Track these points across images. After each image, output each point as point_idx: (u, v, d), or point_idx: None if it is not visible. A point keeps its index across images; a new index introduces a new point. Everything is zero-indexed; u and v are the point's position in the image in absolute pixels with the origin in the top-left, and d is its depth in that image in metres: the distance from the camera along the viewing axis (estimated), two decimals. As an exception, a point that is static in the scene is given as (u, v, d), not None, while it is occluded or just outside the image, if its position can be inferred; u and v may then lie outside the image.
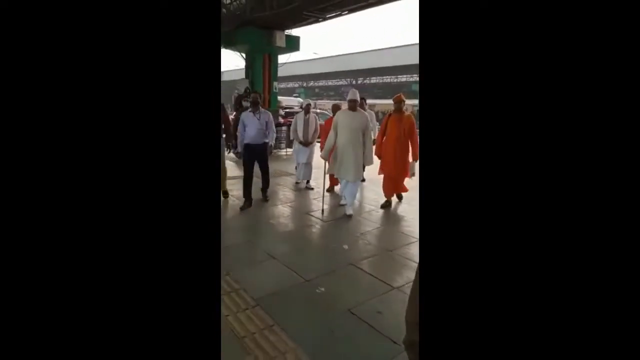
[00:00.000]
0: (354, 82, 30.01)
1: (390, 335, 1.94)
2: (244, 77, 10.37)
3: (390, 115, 4.52)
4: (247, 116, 4.28)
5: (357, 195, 4.52)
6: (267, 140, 4.37)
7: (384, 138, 4.47)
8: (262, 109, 4.36)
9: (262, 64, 9.88)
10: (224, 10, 10.07)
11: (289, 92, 30.21)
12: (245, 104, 6.11)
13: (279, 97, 10.63)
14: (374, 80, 29.23)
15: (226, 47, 10.51)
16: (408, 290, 2.48)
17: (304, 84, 36.04)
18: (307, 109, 5.41)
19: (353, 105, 4.05)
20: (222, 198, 4.63)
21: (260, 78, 9.90)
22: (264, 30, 9.39)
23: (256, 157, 4.36)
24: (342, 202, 4.45)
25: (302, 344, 1.85)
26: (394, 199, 4.77)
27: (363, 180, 4.37)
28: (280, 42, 9.60)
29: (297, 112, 7.03)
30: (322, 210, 4.30)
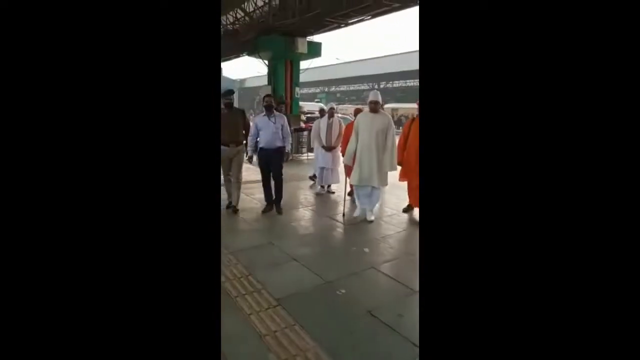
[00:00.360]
0: (376, 86, 29.95)
1: (410, 337, 1.94)
2: (266, 83, 10.57)
3: (414, 119, 4.32)
4: (261, 120, 4.17)
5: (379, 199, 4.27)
6: (282, 145, 4.20)
7: (407, 143, 4.26)
8: (277, 113, 4.24)
9: (284, 70, 10.04)
10: (247, 18, 10.33)
11: (311, 98, 30.45)
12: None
13: (300, 103, 10.74)
14: (396, 84, 29.08)
15: (249, 54, 10.77)
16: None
17: (326, 89, 36.24)
18: (330, 113, 5.35)
19: (374, 107, 3.92)
20: (232, 213, 4.28)
21: (282, 84, 10.06)
22: (286, 37, 9.55)
23: (270, 161, 4.18)
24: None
25: (322, 343, 1.88)
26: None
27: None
28: (302, 48, 9.73)
29: (316, 117, 6.79)
30: (343, 214, 4.28)
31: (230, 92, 4.25)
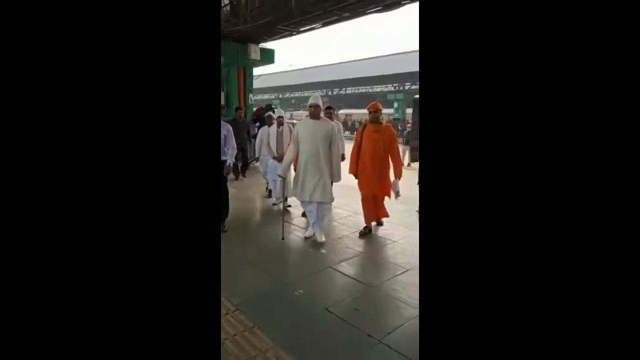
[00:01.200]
0: (329, 92, 30.50)
1: (365, 329, 2.05)
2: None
3: (365, 125, 3.85)
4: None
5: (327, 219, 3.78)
6: (224, 158, 3.64)
7: (360, 152, 3.77)
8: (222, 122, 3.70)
9: (236, 77, 9.96)
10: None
11: (265, 104, 30.32)
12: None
13: (254, 109, 10.71)
14: (349, 90, 29.79)
15: (201, 60, 10.58)
16: (384, 288, 2.59)
17: (280, 95, 36.27)
18: (280, 121, 5.03)
19: (315, 112, 3.45)
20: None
21: (235, 90, 9.97)
22: (238, 44, 9.51)
23: None
24: (307, 233, 3.70)
25: (281, 342, 1.92)
26: (374, 224, 4.03)
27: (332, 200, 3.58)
28: (255, 55, 9.74)
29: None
30: (282, 236, 3.65)
31: None
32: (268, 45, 10.36)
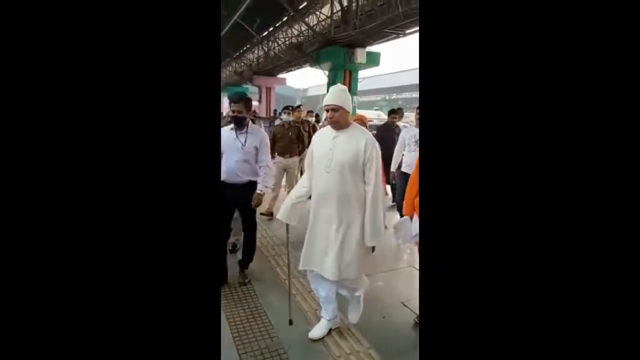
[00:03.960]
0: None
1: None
2: (325, 92, 11.07)
3: None
4: (226, 137, 2.47)
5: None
6: (254, 179, 2.52)
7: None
8: (253, 126, 2.57)
9: (342, 80, 10.46)
10: (310, 31, 10.94)
11: (370, 106, 30.56)
12: (284, 117, 4.66)
13: (358, 111, 11.06)
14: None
15: (312, 65, 11.38)
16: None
17: (387, 97, 36.10)
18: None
19: (335, 117, 1.87)
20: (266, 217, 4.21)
21: (341, 93, 10.50)
22: (345, 48, 9.98)
23: (237, 203, 2.56)
24: (318, 329, 2.06)
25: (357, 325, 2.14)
26: None
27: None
28: (361, 58, 10.08)
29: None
30: (289, 318, 2.18)
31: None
32: (374, 48, 10.60)
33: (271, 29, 13.87)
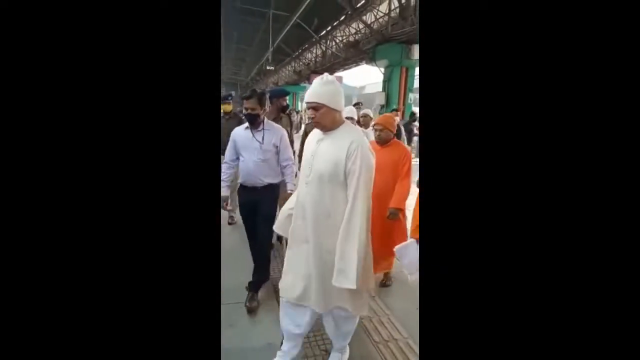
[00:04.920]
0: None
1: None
2: (381, 90, 11.01)
3: None
4: (240, 135, 2.31)
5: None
6: (274, 182, 2.34)
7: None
8: (270, 124, 2.35)
9: (399, 77, 10.34)
10: (367, 29, 10.95)
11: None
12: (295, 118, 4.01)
13: (414, 108, 10.84)
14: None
15: (368, 62, 11.39)
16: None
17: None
18: (366, 122, 3.87)
19: (316, 117, 1.54)
20: None
21: (397, 90, 10.36)
22: (402, 45, 9.84)
23: (256, 209, 2.31)
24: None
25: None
26: None
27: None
28: (417, 55, 9.88)
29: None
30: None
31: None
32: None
33: (329, 28, 14.07)
